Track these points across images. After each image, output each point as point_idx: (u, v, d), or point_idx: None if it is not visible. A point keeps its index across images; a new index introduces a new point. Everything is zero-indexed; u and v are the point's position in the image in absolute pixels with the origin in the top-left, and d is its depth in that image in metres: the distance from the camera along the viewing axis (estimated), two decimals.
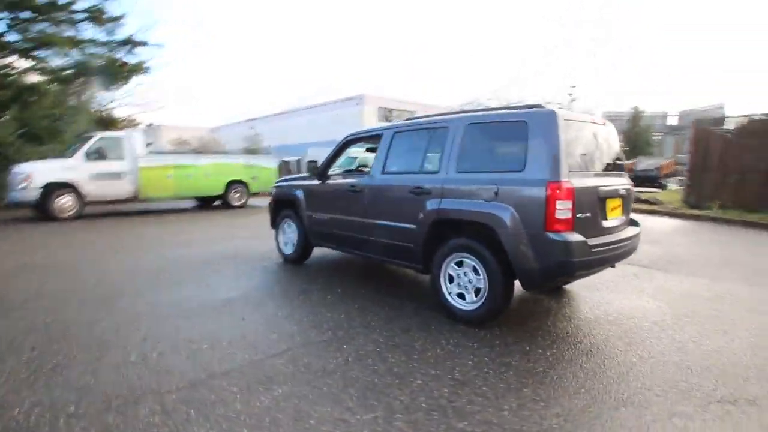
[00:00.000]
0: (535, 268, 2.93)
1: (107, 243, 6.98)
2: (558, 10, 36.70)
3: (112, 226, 8.89)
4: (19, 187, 9.07)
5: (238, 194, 12.27)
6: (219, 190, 11.91)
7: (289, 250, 5.37)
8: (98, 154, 9.76)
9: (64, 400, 2.24)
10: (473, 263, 3.26)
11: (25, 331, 3.19)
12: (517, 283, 3.20)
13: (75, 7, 13.53)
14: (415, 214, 3.62)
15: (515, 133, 3.13)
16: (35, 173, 9.16)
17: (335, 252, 5.92)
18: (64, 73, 14.16)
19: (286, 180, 5.74)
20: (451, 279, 3.45)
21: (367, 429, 2.03)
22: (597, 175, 3.28)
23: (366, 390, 2.38)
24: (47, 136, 13.00)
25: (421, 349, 2.91)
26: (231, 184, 12.08)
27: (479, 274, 3.24)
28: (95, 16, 13.86)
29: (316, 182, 4.86)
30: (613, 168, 3.53)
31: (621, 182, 3.53)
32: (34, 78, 13.80)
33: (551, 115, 3.00)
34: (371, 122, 31.02)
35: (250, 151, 21.64)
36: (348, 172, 4.96)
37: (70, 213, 9.44)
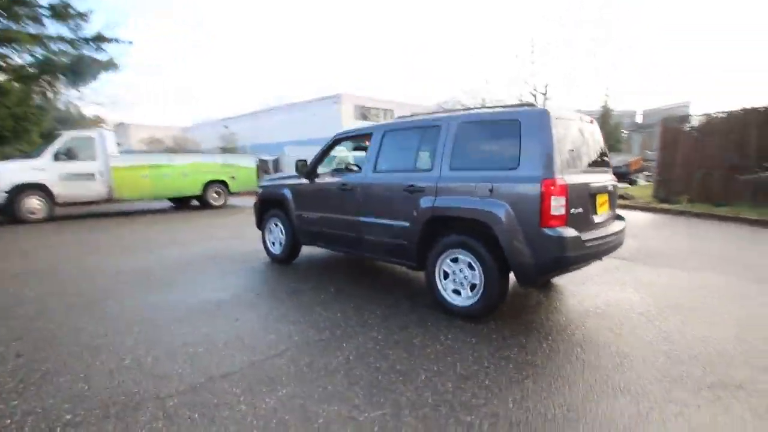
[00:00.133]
0: (531, 263, 2.99)
1: (84, 246, 6.72)
2: (556, 10, 37.19)
3: (86, 229, 8.56)
4: None
5: (217, 194, 12.02)
6: (197, 190, 11.64)
7: (277, 249, 5.31)
8: (68, 154, 9.38)
9: (58, 409, 2.16)
10: (468, 259, 3.30)
11: (8, 338, 3.05)
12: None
13: (39, 2, 12.95)
14: (408, 212, 3.63)
15: (508, 131, 3.19)
16: (1, 174, 8.73)
17: (323, 251, 5.89)
18: (29, 70, 13.52)
19: (272, 179, 5.66)
20: (445, 275, 3.48)
21: (377, 426, 2.03)
22: (586, 171, 3.37)
23: (371, 387, 2.38)
24: (12, 136, 12.40)
25: (421, 346, 2.93)
26: (209, 184, 11.83)
27: (474, 270, 3.28)
28: (60, 11, 13.28)
29: (305, 181, 4.81)
30: (600, 164, 3.64)
31: (608, 178, 3.64)
32: None
33: (544, 114, 3.07)
34: (348, 121, 30.93)
35: (227, 150, 21.26)
36: (337, 171, 4.93)
37: (40, 215, 9.04)
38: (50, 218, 9.30)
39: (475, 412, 2.15)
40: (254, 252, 5.93)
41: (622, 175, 22.33)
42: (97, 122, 17.47)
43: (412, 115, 4.16)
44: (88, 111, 16.86)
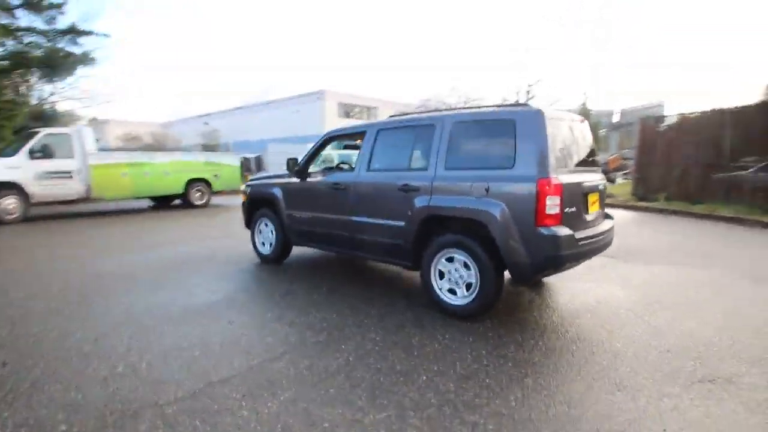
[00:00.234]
0: (527, 261, 3.03)
1: (63, 247, 6.51)
2: (555, 10, 37.52)
3: (64, 229, 8.29)
4: None
5: (200, 193, 11.80)
6: (179, 188, 11.40)
7: (266, 250, 5.24)
8: (44, 152, 9.06)
9: (52, 420, 2.09)
10: (464, 259, 3.32)
11: None
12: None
13: None
14: (403, 212, 3.63)
15: (503, 131, 3.22)
16: None
17: (313, 250, 5.85)
18: (0, 63, 12.98)
19: (261, 178, 5.58)
20: (441, 275, 3.50)
21: (383, 428, 2.03)
22: (578, 170, 3.43)
23: (373, 389, 2.38)
24: None
25: (419, 346, 2.94)
26: (191, 183, 11.60)
27: (470, 269, 3.30)
28: (33, 2, 12.79)
29: (295, 180, 4.76)
30: (590, 164, 3.71)
31: (598, 177, 3.72)
32: None
33: (539, 114, 3.11)
34: (332, 118, 30.77)
35: (208, 147, 20.87)
36: (328, 170, 4.89)
37: (14, 216, 8.72)
38: (25, 218, 8.97)
39: (479, 412, 2.16)
40: (243, 252, 5.85)
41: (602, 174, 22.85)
42: (69, 119, 16.85)
43: (404, 114, 4.15)
44: (63, 106, 16.27)
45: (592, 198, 3.52)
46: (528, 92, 18.74)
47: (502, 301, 3.82)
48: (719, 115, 12.00)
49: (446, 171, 3.43)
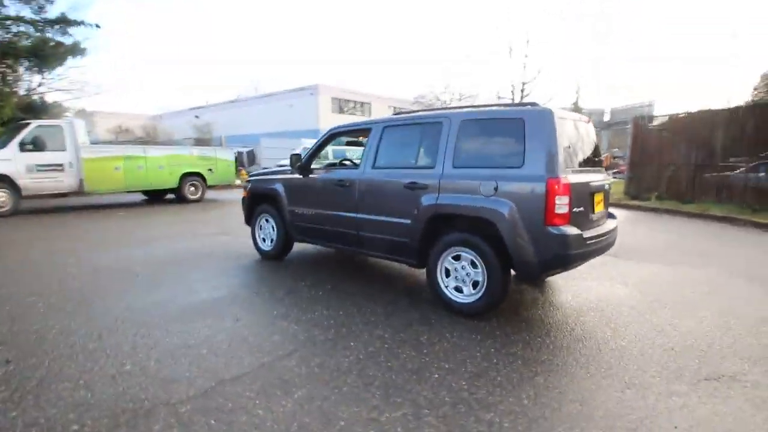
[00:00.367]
0: (535, 260, 3.05)
1: (58, 241, 6.40)
2: (556, 3, 37.31)
3: (57, 223, 8.15)
4: None
5: (194, 187, 11.67)
6: (173, 183, 11.26)
7: (267, 246, 5.21)
8: (35, 144, 8.87)
9: (63, 419, 2.05)
10: (471, 257, 3.33)
11: None
12: None
13: None
14: (410, 209, 3.63)
15: (512, 130, 3.22)
16: None
17: (311, 247, 5.83)
18: None
19: (262, 174, 5.53)
20: (447, 273, 3.51)
21: (400, 427, 2.03)
22: (584, 170, 3.45)
23: (387, 387, 2.38)
24: None
25: (429, 344, 2.95)
26: (186, 177, 11.46)
27: (477, 268, 3.32)
28: None
29: (298, 176, 4.73)
30: (595, 163, 3.74)
31: (603, 177, 3.75)
32: None
33: (548, 113, 3.11)
34: (326, 113, 30.62)
35: (201, 141, 20.64)
36: (331, 166, 4.87)
37: (5, 209, 8.54)
38: (16, 212, 8.80)
39: (493, 410, 2.18)
40: (243, 248, 5.80)
41: None
42: (57, 110, 16.51)
43: (410, 112, 4.14)
44: (53, 97, 15.92)
45: (598, 198, 3.55)
46: (522, 90, 18.80)
47: (506, 300, 3.83)
48: (708, 115, 12.18)
49: (454, 169, 3.43)
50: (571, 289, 4.24)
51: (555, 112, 3.15)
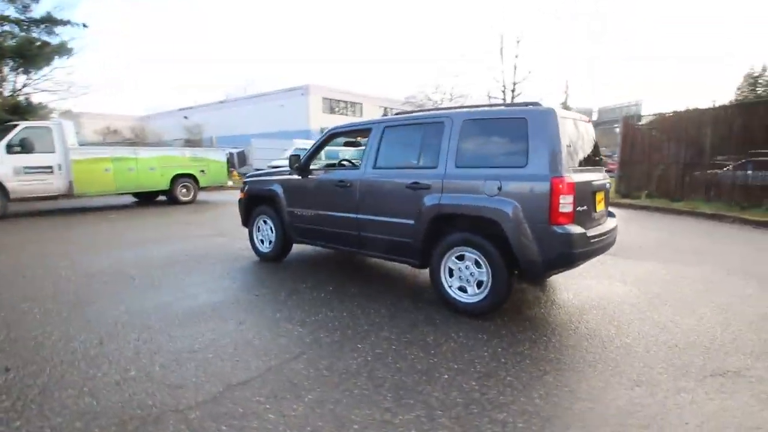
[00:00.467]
0: (540, 259, 3.06)
1: (49, 245, 6.27)
2: (551, 2, 37.41)
3: (47, 227, 8.00)
4: None
5: (186, 189, 11.53)
6: (164, 184, 11.11)
7: (265, 248, 5.16)
8: (23, 146, 8.68)
9: (69, 427, 2.00)
10: (475, 257, 3.33)
11: None
12: None
13: None
14: (412, 210, 3.62)
15: (515, 129, 3.23)
16: None
17: (309, 248, 5.79)
18: None
19: (259, 175, 5.48)
20: (450, 273, 3.50)
21: (414, 429, 2.02)
22: (586, 169, 3.47)
23: (397, 389, 2.36)
24: None
25: (435, 344, 2.94)
26: (177, 178, 11.32)
27: (481, 267, 3.32)
28: None
29: (297, 177, 4.69)
30: (595, 163, 3.77)
31: (603, 176, 3.78)
32: None
33: (551, 113, 3.13)
34: (317, 113, 30.50)
35: (191, 142, 20.41)
36: (331, 167, 4.84)
37: None
38: (3, 216, 8.61)
39: (505, 410, 2.17)
40: (237, 250, 5.75)
41: None
42: (41, 111, 16.17)
43: (411, 111, 4.13)
44: (39, 98, 15.59)
45: (599, 196, 3.57)
46: (513, 90, 18.92)
47: (508, 299, 3.85)
48: (695, 114, 12.39)
49: (457, 169, 3.43)
50: (571, 287, 4.27)
51: (558, 111, 3.16)
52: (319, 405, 2.20)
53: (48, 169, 9.01)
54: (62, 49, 13.55)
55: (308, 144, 21.24)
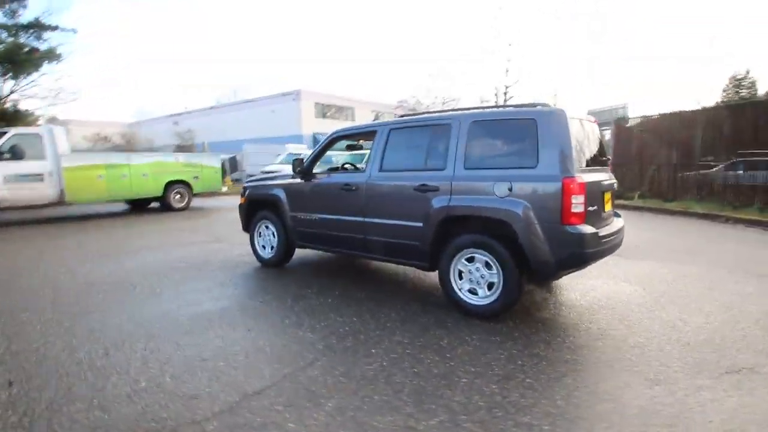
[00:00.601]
0: (552, 260, 3.05)
1: (44, 254, 6.11)
2: (551, 2, 37.40)
3: (40, 235, 7.82)
4: None
5: (180, 195, 11.38)
6: (158, 191, 10.95)
7: (267, 253, 5.09)
8: (13, 153, 8.51)
9: None
10: (486, 258, 3.31)
11: None
12: None
13: None
14: (420, 212, 3.59)
15: (524, 130, 3.22)
16: None
17: (307, 252, 5.73)
18: None
19: (259, 179, 5.42)
20: (459, 275, 3.48)
21: None
22: (593, 170, 3.48)
23: (418, 394, 2.32)
24: None
25: (450, 348, 2.90)
26: (171, 185, 11.17)
27: (492, 269, 3.30)
28: None
29: (299, 181, 4.64)
30: (602, 163, 3.78)
31: (610, 176, 3.79)
32: None
33: (561, 114, 3.13)
34: (309, 118, 30.43)
35: (183, 148, 20.21)
36: (333, 170, 4.80)
37: None
38: None
39: (529, 413, 2.15)
40: (239, 256, 5.67)
41: None
42: (30, 119, 15.89)
43: (416, 114, 4.11)
44: (28, 105, 15.33)
45: (607, 196, 3.58)
46: (505, 93, 19.07)
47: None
48: (679, 116, 12.62)
49: (465, 170, 3.41)
50: (577, 288, 4.27)
51: (568, 112, 3.16)
52: (340, 413, 2.15)
53: (39, 177, 8.83)
54: (51, 55, 13.33)
55: (301, 149, 21.20)
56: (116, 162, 10.15)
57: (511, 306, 3.35)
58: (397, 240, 3.82)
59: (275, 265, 5.06)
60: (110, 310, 3.68)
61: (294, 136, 27.84)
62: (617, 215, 4.04)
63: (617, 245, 3.60)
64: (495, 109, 3.59)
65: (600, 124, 4.22)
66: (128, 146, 13.78)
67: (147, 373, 2.56)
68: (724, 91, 30.89)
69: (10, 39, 12.44)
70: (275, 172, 13.70)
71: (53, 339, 3.07)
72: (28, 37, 12.89)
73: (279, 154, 20.33)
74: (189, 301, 3.88)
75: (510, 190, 3.16)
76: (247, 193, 5.28)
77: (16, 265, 5.44)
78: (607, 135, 15.47)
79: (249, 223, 5.29)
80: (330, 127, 30.73)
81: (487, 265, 3.32)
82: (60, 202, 9.31)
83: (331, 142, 4.57)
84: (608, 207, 3.61)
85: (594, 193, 3.25)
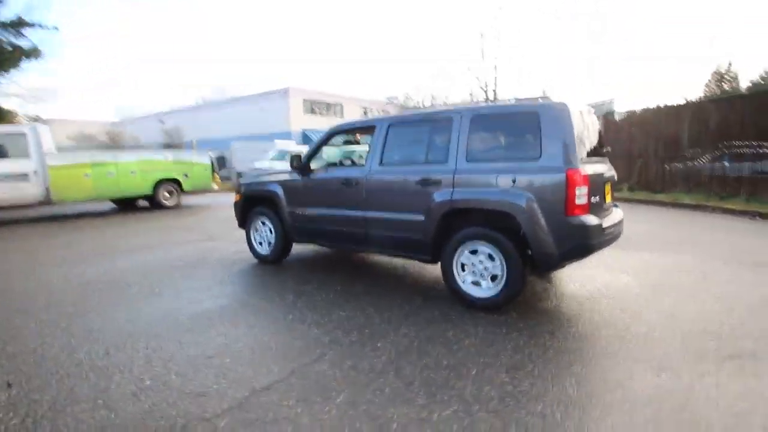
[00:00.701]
0: (556, 251, 3.07)
1: (34, 254, 5.97)
2: (552, 3, 37.28)
3: (28, 235, 7.63)
4: None
5: (169, 193, 11.20)
6: (146, 189, 10.77)
7: (265, 250, 5.03)
8: None
9: None
10: (489, 250, 3.32)
11: None
12: None
13: None
14: (422, 205, 3.58)
15: (526, 123, 3.23)
16: None
17: (309, 249, 5.69)
18: None
19: (255, 175, 5.35)
20: (462, 267, 3.48)
21: (455, 425, 1.98)
22: (594, 161, 3.50)
23: (428, 385, 2.32)
24: None
25: (456, 340, 2.90)
26: (160, 183, 10.99)
27: (495, 261, 3.30)
28: None
29: (297, 177, 4.59)
30: (602, 154, 3.81)
31: (609, 167, 3.82)
32: None
33: (564, 107, 3.14)
34: (297, 115, 30.20)
35: (171, 146, 19.89)
36: (331, 165, 4.76)
37: None
38: None
39: (541, 401, 2.16)
40: (235, 253, 5.60)
41: None
42: (9, 117, 15.46)
43: (415, 109, 4.09)
44: (6, 104, 14.89)
45: (607, 188, 3.61)
46: (494, 90, 19.14)
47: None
48: (663, 111, 12.81)
49: (468, 164, 3.41)
50: (576, 278, 4.31)
51: (570, 104, 3.17)
52: (352, 406, 2.13)
53: (23, 176, 8.61)
54: (32, 53, 12.99)
55: (290, 145, 21.02)
56: (103, 160, 9.94)
57: (514, 298, 3.36)
58: (399, 234, 3.80)
59: (272, 262, 5.01)
60: (107, 309, 3.61)
61: (283, 132, 27.62)
62: (615, 206, 4.07)
63: (618, 236, 3.64)
64: (496, 104, 3.59)
65: None
66: (114, 145, 13.46)
67: (151, 372, 2.51)
68: (706, 85, 31.46)
69: None
70: (265, 169, 13.59)
71: (50, 340, 3.00)
72: (9, 34, 12.53)
73: (267, 151, 20.16)
74: (188, 300, 3.82)
75: (514, 182, 3.16)
76: (242, 189, 5.21)
77: (6, 266, 5.29)
78: None
79: (245, 220, 5.22)
80: (319, 123, 30.62)
81: (490, 257, 3.33)
82: (46, 201, 9.10)
83: (329, 137, 4.53)
84: (608, 198, 3.64)
85: (596, 185, 3.27)
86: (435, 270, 4.48)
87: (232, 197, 5.59)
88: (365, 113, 33.70)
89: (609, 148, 4.04)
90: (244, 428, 1.97)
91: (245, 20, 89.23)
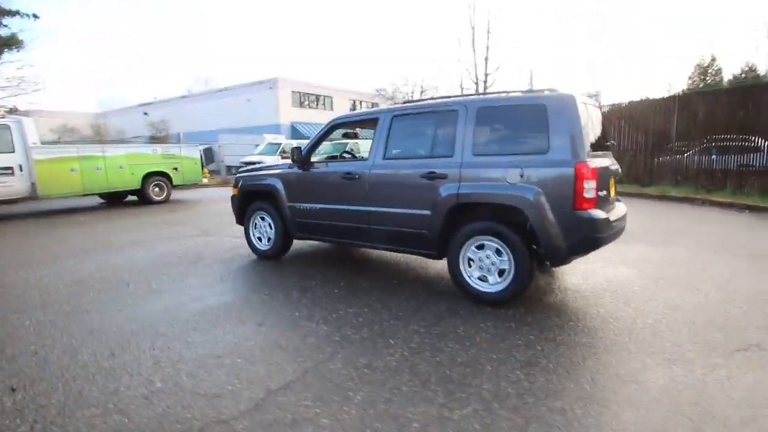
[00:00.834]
0: (564, 245, 3.07)
1: (24, 252, 5.79)
2: (552, 3, 37.10)
3: (15, 232, 7.41)
4: None
5: (159, 188, 10.98)
6: (135, 184, 10.53)
7: (264, 245, 4.96)
8: None
9: None
10: (496, 245, 3.31)
11: None
12: None
13: None
14: (428, 200, 3.55)
15: (534, 116, 3.21)
16: None
17: (308, 244, 5.63)
18: None
19: (252, 169, 5.25)
20: (468, 262, 3.47)
21: (477, 423, 1.97)
22: (600, 154, 3.50)
23: (445, 383, 2.31)
24: None
25: (467, 336, 2.90)
26: (149, 177, 10.76)
27: (502, 256, 3.30)
28: None
29: (297, 171, 4.52)
30: (606, 148, 3.82)
31: (613, 161, 3.83)
32: None
33: (572, 99, 3.13)
34: (286, 107, 29.83)
35: (156, 139, 19.51)
36: (331, 159, 4.69)
37: None
38: None
39: (560, 398, 2.16)
40: (232, 249, 5.51)
41: None
42: None
43: (419, 101, 4.04)
44: None
45: (612, 181, 3.62)
46: (485, 82, 19.10)
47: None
48: (647, 104, 12.97)
49: (474, 157, 3.38)
50: (578, 272, 4.34)
51: (578, 97, 3.16)
52: (371, 405, 2.11)
53: (8, 171, 8.34)
54: (12, 42, 12.53)
55: (280, 139, 20.78)
56: (90, 154, 9.68)
57: (521, 292, 3.37)
58: (404, 229, 3.77)
59: (272, 258, 4.94)
60: (107, 308, 3.52)
61: (272, 125, 27.27)
62: (618, 200, 4.10)
63: (622, 230, 3.66)
64: (502, 96, 3.56)
65: None
66: (99, 137, 13.13)
67: (161, 373, 2.45)
68: (689, 78, 31.89)
69: None
70: (256, 162, 13.41)
71: (50, 341, 2.91)
72: None
73: (257, 144, 19.92)
74: (190, 297, 3.74)
75: (521, 176, 3.15)
76: (240, 184, 5.11)
77: None
78: None
79: (243, 216, 5.13)
80: (308, 116, 30.27)
81: (498, 252, 3.32)
82: (32, 196, 8.84)
83: (330, 129, 4.46)
84: (612, 192, 3.66)
85: (604, 178, 3.27)
86: (437, 264, 4.48)
87: (221, 192, 5.50)
88: (354, 106, 33.45)
89: (613, 141, 4.04)
90: (263, 430, 1.93)
91: (245, 20, 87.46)
